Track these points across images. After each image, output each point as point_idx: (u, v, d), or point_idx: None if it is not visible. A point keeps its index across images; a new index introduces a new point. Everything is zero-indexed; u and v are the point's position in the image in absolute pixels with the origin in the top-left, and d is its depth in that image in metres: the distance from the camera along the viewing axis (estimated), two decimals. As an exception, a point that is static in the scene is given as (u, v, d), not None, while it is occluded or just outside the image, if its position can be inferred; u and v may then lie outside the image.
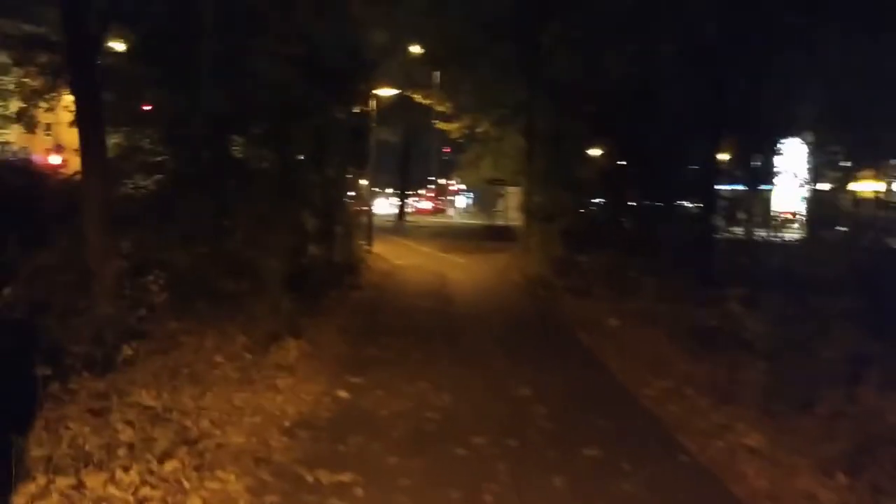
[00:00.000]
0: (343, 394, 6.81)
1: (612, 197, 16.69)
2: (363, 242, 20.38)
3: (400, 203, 49.29)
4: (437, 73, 21.39)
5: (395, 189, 56.58)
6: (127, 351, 6.94)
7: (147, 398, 6.15)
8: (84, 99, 8.00)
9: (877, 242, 11.68)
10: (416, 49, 20.32)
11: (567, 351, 9.24)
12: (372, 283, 15.14)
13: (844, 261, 10.11)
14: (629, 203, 16.85)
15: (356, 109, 18.91)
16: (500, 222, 39.91)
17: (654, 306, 11.32)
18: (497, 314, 11.74)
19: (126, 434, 5.50)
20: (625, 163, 16.92)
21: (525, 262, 18.36)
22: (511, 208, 44.17)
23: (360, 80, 15.90)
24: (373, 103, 20.76)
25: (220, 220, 9.36)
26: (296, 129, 13.93)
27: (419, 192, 79.12)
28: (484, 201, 56.50)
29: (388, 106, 39.73)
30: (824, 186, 24.98)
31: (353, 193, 17.80)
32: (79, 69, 8.08)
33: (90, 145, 7.98)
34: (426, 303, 12.80)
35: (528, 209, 20.30)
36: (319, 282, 12.94)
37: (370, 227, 21.39)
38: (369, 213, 21.71)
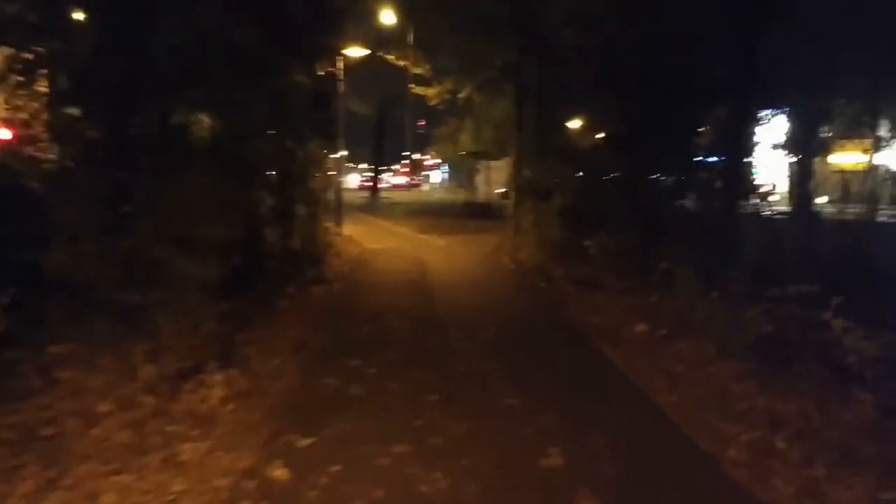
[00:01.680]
0: (280, 472, 4.44)
1: (618, 169, 14.34)
2: (331, 224, 17.95)
3: (373, 178, 46.80)
4: (413, 31, 18.72)
5: (368, 164, 54.14)
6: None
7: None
8: None
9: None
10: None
11: (594, 376, 6.92)
12: (340, 275, 12.74)
13: None
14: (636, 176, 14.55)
15: (321, 72, 16.41)
16: (480, 198, 37.67)
17: (685, 304, 9.10)
18: (492, 317, 9.37)
19: None
20: (631, 129, 14.62)
21: (516, 246, 16.05)
22: (494, 182, 41.89)
23: (323, 33, 13.36)
24: (340, 65, 18.21)
25: (120, 204, 6.87)
26: (247, 90, 11.53)
27: (394, 166, 76.72)
28: (461, 176, 54.38)
29: (360, 74, 37.31)
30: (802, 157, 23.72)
31: (318, 168, 15.28)
32: None
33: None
34: (404, 301, 10.43)
35: (517, 184, 17.94)
36: (273, 276, 10.58)
37: (339, 207, 18.93)
38: (338, 191, 19.22)
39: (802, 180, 23.72)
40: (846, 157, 28.80)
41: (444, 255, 16.35)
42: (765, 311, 8.37)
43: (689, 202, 14.56)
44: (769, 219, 15.68)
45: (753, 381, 6.60)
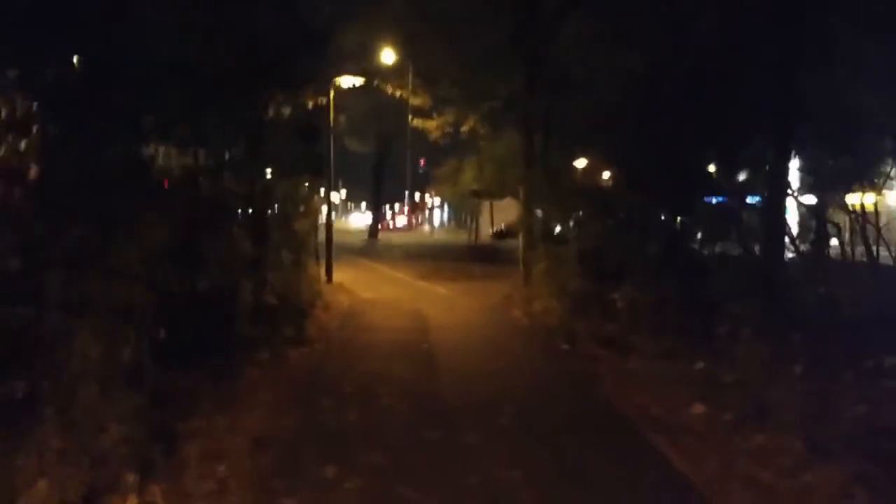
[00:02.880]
0: None
1: (643, 209, 12.60)
2: (321, 270, 16.21)
3: (372, 220, 45.26)
4: (412, 60, 17.17)
5: (368, 204, 52.88)
6: None
7: None
8: None
9: None
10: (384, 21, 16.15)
11: (653, 487, 5.04)
12: (326, 333, 10.94)
13: None
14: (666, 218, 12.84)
15: (310, 103, 14.89)
16: (484, 240, 36.17)
17: (753, 378, 7.31)
18: (509, 393, 7.48)
19: None
20: (658, 164, 12.98)
21: (528, 296, 14.28)
22: (498, 223, 40.33)
23: (306, 57, 11.76)
24: (331, 96, 16.67)
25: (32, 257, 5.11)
26: (211, 120, 9.96)
27: (394, 207, 75.44)
28: (463, 217, 53.11)
29: (358, 111, 35.99)
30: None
31: (304, 207, 13.56)
32: None
33: None
34: (400, 369, 8.61)
35: (528, 226, 16.25)
36: (244, 339, 8.80)
37: (330, 251, 17.19)
38: (329, 233, 17.52)
39: (819, 222, 22.06)
40: (859, 198, 27.37)
41: (446, 305, 14.56)
42: (860, 389, 6.63)
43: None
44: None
45: (865, 497, 4.84)
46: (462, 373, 8.45)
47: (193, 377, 7.23)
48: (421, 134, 20.59)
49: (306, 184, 13.76)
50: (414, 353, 9.55)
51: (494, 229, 42.20)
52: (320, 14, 13.25)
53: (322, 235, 16.72)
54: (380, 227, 47.29)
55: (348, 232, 53.33)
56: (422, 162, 60.88)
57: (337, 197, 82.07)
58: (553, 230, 14.66)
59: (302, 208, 12.93)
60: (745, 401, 6.77)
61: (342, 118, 37.16)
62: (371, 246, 36.83)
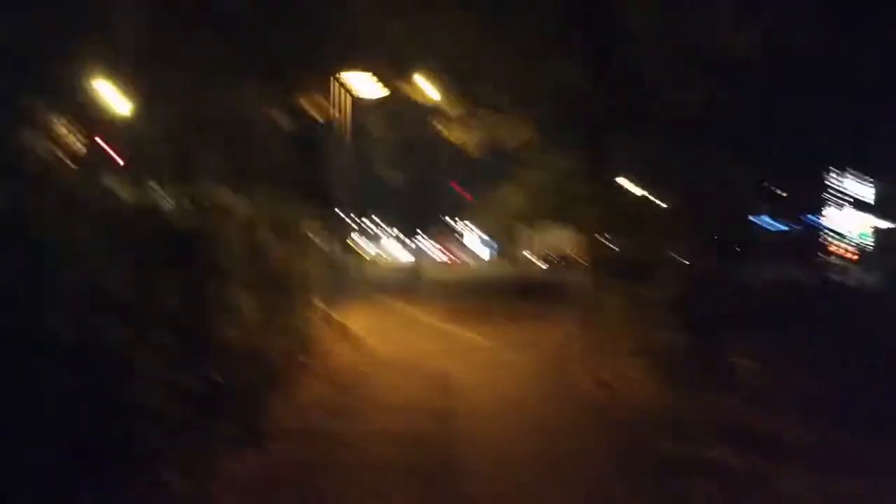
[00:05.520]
0: None
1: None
2: (329, 315, 12.68)
3: (405, 252, 42.01)
4: (441, 50, 13.63)
5: (403, 234, 50.02)
6: None
7: None
8: None
9: None
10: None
11: None
12: (301, 421, 7.29)
13: None
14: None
15: (310, 108, 11.57)
16: (531, 274, 32.56)
17: None
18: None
19: None
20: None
21: (595, 352, 10.51)
22: (549, 252, 36.59)
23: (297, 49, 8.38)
24: (346, 103, 13.30)
25: None
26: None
27: (434, 238, 72.24)
28: (507, 248, 49.78)
29: (391, 138, 32.85)
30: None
31: (292, 236, 10.01)
32: None
33: None
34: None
35: (594, 258, 12.52)
36: (130, 441, 5.30)
37: (335, 292, 13.66)
38: (342, 268, 14.04)
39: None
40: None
41: (485, 367, 10.76)
42: None
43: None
44: None
45: None
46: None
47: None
48: (463, 161, 17.19)
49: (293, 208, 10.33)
50: (427, 468, 5.80)
51: (546, 259, 38.58)
52: None
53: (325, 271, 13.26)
54: (414, 258, 44.06)
55: (382, 265, 50.09)
56: (462, 190, 57.71)
57: (376, 228, 79.18)
58: (632, 264, 10.96)
59: (285, 237, 9.46)
60: None
61: (375, 145, 34.24)
62: (402, 279, 33.49)
